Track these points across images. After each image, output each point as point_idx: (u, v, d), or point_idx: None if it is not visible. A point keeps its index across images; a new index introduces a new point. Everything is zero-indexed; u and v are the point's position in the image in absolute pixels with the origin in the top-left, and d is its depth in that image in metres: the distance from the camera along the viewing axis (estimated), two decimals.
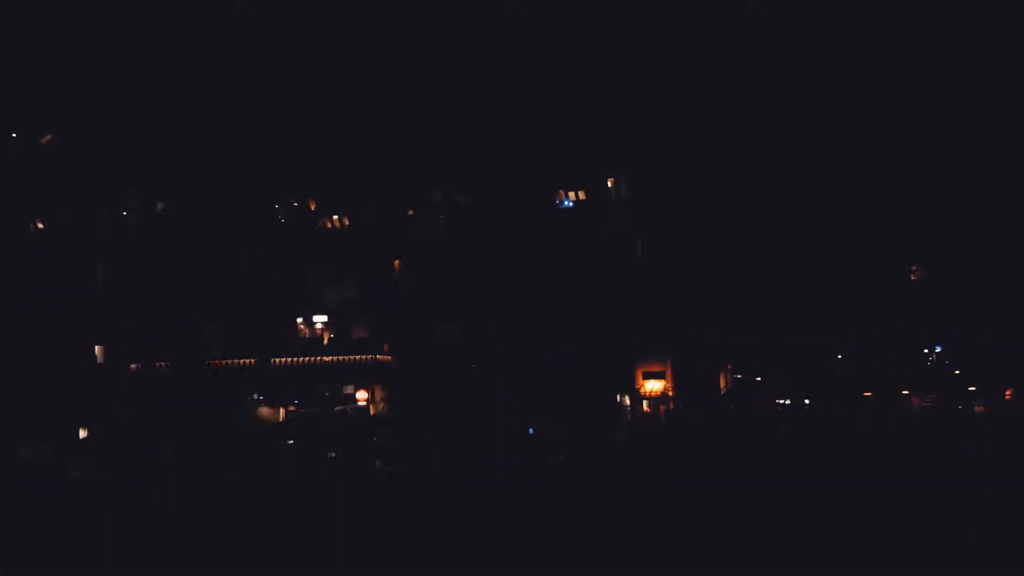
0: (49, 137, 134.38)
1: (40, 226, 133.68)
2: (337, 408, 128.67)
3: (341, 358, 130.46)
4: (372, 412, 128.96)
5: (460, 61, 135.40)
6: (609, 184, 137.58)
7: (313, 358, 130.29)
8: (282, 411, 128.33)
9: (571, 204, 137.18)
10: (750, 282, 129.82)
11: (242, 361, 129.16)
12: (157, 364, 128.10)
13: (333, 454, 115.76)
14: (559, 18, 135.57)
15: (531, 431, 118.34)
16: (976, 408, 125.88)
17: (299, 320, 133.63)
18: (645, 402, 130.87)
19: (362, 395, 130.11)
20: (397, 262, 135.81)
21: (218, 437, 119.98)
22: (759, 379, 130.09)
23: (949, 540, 79.17)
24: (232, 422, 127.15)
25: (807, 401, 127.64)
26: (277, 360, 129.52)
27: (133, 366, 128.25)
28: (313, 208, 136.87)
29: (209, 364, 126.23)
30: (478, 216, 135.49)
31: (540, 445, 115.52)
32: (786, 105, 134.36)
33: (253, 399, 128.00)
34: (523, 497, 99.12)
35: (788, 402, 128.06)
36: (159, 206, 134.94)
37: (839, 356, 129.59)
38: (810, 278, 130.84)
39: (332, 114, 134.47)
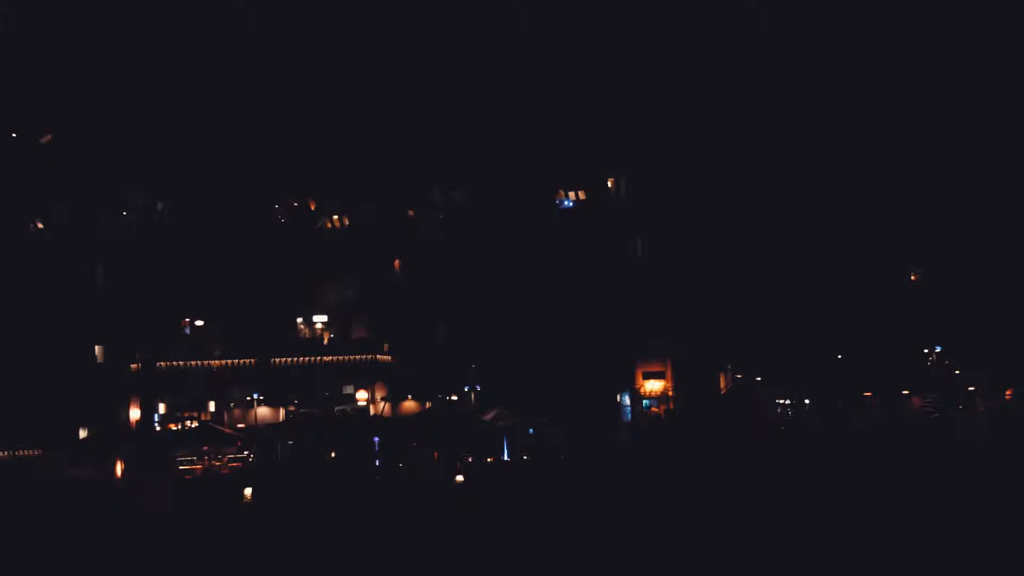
0: (49, 137, 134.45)
1: (40, 226, 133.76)
2: (337, 408, 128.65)
3: (341, 358, 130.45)
4: (372, 412, 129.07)
5: (461, 61, 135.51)
6: (609, 184, 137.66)
7: (313, 358, 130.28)
8: (282, 411, 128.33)
9: (571, 204, 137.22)
10: (750, 282, 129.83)
11: (242, 361, 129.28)
12: (158, 364, 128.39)
13: (333, 454, 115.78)
14: (559, 20, 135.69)
15: (531, 431, 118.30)
16: (976, 408, 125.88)
17: (299, 320, 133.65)
18: (645, 402, 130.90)
19: (362, 395, 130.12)
20: (397, 262, 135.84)
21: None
22: (759, 379, 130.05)
23: (949, 539, 79.19)
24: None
25: (807, 401, 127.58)
26: (277, 360, 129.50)
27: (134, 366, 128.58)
28: (313, 208, 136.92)
29: None
30: (478, 216, 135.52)
31: (539, 445, 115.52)
32: (786, 105, 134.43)
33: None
34: (523, 496, 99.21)
35: (788, 402, 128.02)
36: (159, 206, 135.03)
37: (839, 356, 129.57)
38: (810, 278, 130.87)
39: (332, 114, 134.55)
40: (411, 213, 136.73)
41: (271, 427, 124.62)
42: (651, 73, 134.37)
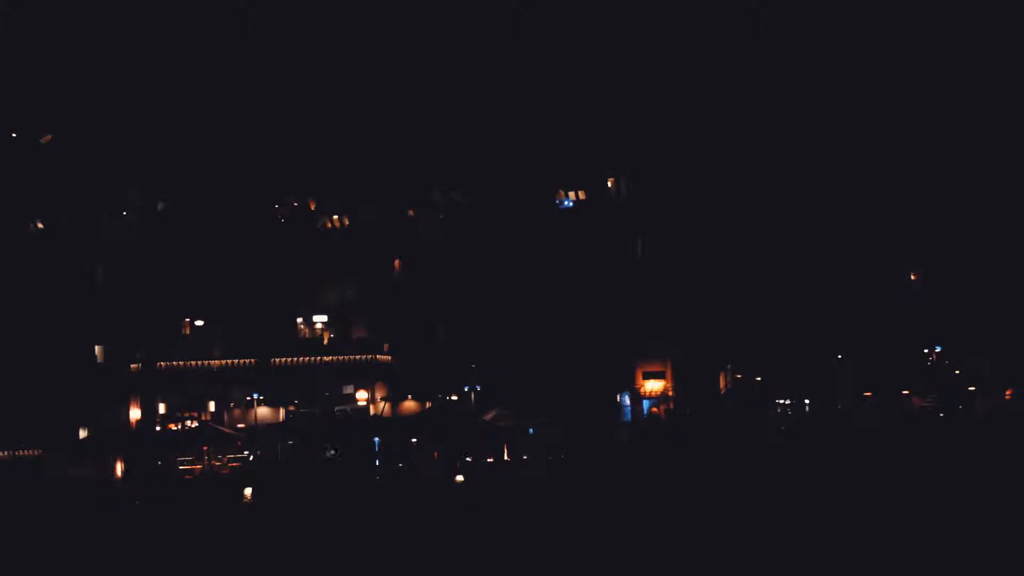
0: (49, 137, 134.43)
1: (40, 226, 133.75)
2: (337, 408, 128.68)
3: (341, 358, 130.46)
4: (372, 412, 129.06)
5: (461, 62, 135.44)
6: (609, 184, 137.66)
7: (313, 358, 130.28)
8: (282, 411, 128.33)
9: (571, 204, 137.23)
10: (750, 282, 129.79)
11: (242, 361, 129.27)
12: (158, 364, 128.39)
13: (333, 453, 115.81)
14: (560, 20, 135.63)
15: (531, 431, 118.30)
16: (976, 408, 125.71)
17: (299, 320, 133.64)
18: (646, 403, 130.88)
19: (362, 395, 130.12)
20: (397, 262, 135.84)
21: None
22: (759, 379, 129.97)
23: (949, 540, 79.19)
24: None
25: (807, 401, 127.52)
26: (277, 360, 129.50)
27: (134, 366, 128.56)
28: (313, 208, 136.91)
29: None
30: (478, 216, 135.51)
31: (540, 445, 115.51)
32: (786, 106, 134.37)
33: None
34: (523, 496, 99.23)
35: (788, 402, 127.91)
36: (159, 206, 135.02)
37: (839, 356, 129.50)
38: (810, 279, 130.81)
39: (332, 114, 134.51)
40: (411, 213, 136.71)
41: (271, 427, 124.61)
42: (651, 73, 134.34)
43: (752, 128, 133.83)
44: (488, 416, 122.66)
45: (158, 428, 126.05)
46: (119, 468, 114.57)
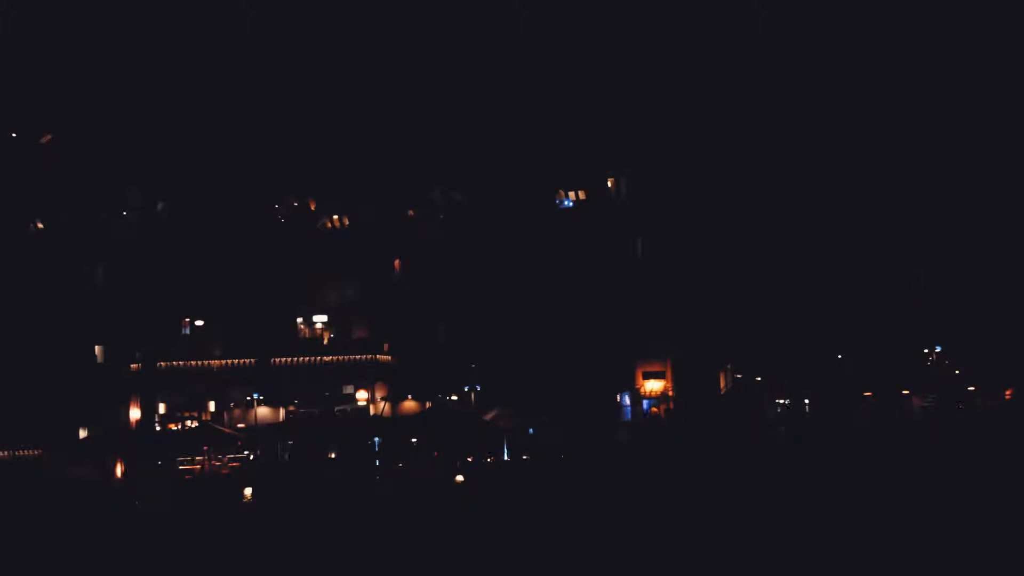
0: (49, 137, 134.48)
1: (40, 226, 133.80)
2: (337, 408, 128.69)
3: (341, 358, 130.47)
4: (372, 412, 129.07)
5: (461, 62, 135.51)
6: (609, 184, 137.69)
7: (313, 358, 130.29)
8: (282, 411, 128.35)
9: (571, 204, 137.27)
10: (750, 282, 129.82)
11: (242, 361, 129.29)
12: (158, 364, 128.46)
13: (333, 454, 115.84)
14: (560, 20, 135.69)
15: (531, 431, 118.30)
16: (976, 408, 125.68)
17: (299, 320, 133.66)
18: (646, 403, 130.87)
19: (362, 395, 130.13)
20: (397, 262, 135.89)
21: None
22: (759, 379, 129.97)
23: (949, 540, 79.21)
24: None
25: (807, 401, 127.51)
26: (277, 360, 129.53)
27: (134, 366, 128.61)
28: (313, 208, 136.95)
29: None
30: (478, 216, 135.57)
31: (539, 445, 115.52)
32: (786, 105, 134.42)
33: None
34: (523, 496, 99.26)
35: (788, 402, 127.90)
36: (159, 206, 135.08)
37: (839, 356, 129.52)
38: (810, 278, 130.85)
39: (332, 114, 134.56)
40: (411, 213, 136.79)
41: (271, 427, 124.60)
42: (651, 73, 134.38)
43: (752, 128, 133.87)
44: (488, 416, 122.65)
45: (158, 428, 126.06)
46: (119, 468, 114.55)
